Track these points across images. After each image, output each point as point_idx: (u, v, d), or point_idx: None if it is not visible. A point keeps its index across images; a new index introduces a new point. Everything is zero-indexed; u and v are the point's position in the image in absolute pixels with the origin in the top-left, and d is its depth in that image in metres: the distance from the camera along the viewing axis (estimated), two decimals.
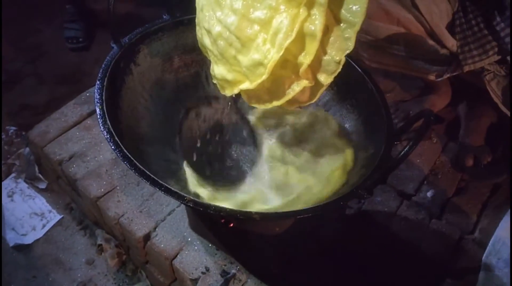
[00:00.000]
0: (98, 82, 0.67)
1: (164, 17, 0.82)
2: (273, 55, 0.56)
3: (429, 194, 1.21)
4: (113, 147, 0.60)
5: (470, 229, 1.15)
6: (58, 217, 1.31)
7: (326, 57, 0.58)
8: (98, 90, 0.66)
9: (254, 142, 0.86)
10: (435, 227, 1.14)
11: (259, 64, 0.58)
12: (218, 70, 0.64)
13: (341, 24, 0.56)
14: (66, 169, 1.17)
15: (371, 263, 1.02)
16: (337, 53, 0.57)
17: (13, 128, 1.47)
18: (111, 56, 0.72)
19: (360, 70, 0.81)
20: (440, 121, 1.39)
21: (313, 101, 0.65)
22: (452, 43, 1.13)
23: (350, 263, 1.01)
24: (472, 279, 1.05)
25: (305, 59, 0.57)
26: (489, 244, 1.09)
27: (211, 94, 0.89)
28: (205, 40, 0.64)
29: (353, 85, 0.82)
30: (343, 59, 0.57)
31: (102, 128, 0.62)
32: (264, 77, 0.58)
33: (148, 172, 0.59)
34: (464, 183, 1.25)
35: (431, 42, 1.15)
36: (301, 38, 0.56)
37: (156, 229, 1.06)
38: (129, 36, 0.76)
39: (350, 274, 0.99)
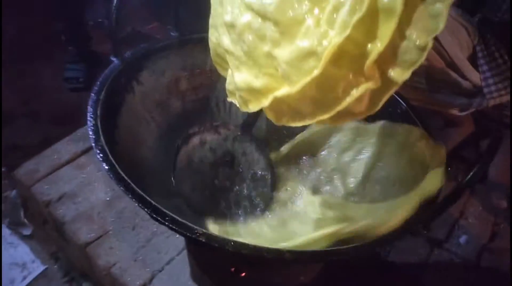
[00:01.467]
0: (92, 94, 0.57)
1: (172, 34, 0.74)
2: (333, 39, 0.41)
3: (461, 240, 1.07)
4: (106, 167, 0.49)
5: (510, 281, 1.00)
6: (42, 268, 1.15)
7: (404, 43, 0.43)
8: (92, 103, 0.56)
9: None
10: (472, 278, 0.99)
11: (309, 54, 0.43)
12: (240, 77, 0.51)
13: None
14: (53, 210, 1.04)
15: None
16: (420, 36, 0.41)
17: (2, 169, 1.36)
18: (110, 69, 0.63)
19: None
20: (465, 160, 1.29)
21: (372, 113, 0.49)
22: (475, 75, 1.07)
23: None
24: None
25: (376, 46, 0.42)
26: None
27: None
28: (224, 40, 0.52)
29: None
30: (430, 44, 0.42)
31: (94, 145, 0.51)
32: (316, 72, 0.43)
33: (149, 198, 0.47)
34: (499, 228, 1.12)
35: (452, 74, 1.09)
36: (371, 16, 0.41)
37: (153, 281, 0.91)
38: (133, 51, 0.68)
39: None
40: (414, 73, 1.23)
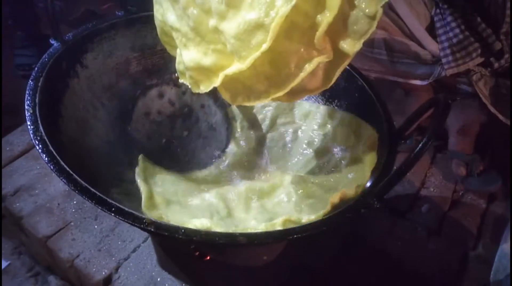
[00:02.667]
0: (30, 82, 0.54)
1: (118, 13, 0.70)
2: (280, 9, 0.39)
3: (423, 209, 1.10)
4: (46, 158, 0.46)
5: (472, 245, 1.04)
6: (4, 264, 1.11)
7: (353, 13, 0.41)
8: (30, 91, 0.52)
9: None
10: (434, 245, 1.02)
11: (257, 26, 0.41)
12: (188, 55, 0.48)
13: None
14: (10, 205, 0.99)
15: None
16: (369, 4, 0.40)
17: None
18: (49, 54, 0.59)
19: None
20: (423, 129, 1.31)
21: (327, 87, 0.48)
22: (433, 45, 1.08)
23: None
24: None
25: (325, 16, 0.40)
26: (495, 260, 0.98)
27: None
28: (169, 17, 0.49)
29: (339, 82, 0.71)
30: (379, 12, 0.41)
31: (32, 135, 0.48)
32: (265, 46, 0.41)
33: (93, 189, 0.45)
34: (459, 195, 1.16)
35: (412, 45, 1.09)
36: None
37: (119, 270, 0.89)
38: (74, 33, 0.63)
39: None
40: (372, 45, 1.22)
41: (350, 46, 0.43)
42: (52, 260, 0.99)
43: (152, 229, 0.42)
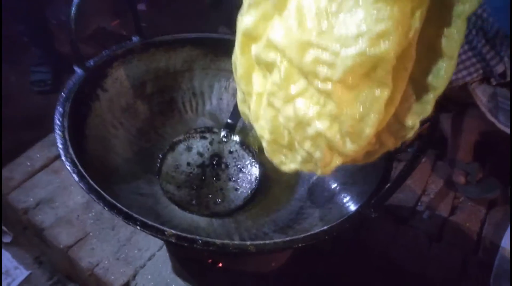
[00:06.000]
0: (58, 107, 0.59)
1: (134, 39, 0.76)
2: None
3: (425, 216, 1.15)
4: (76, 178, 0.52)
5: (472, 250, 1.08)
6: (26, 273, 1.17)
7: (397, 124, 0.48)
8: (59, 116, 0.58)
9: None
10: (436, 250, 1.07)
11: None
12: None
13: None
14: (32, 217, 1.05)
15: None
16: (411, 119, 0.46)
17: None
18: (74, 80, 0.65)
19: None
20: (429, 140, 1.36)
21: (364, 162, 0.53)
22: None
23: None
24: None
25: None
26: (495, 265, 1.02)
27: (195, 125, 0.82)
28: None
29: None
30: (417, 124, 0.47)
31: (63, 157, 0.54)
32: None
33: (119, 205, 0.50)
34: (459, 201, 1.20)
35: None
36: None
37: (136, 277, 0.95)
38: (94, 59, 0.70)
39: None
40: None
41: (393, 143, 0.49)
42: (72, 269, 1.05)
43: (173, 240, 0.48)
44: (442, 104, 1.32)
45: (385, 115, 0.42)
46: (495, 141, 1.22)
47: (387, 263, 1.02)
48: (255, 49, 0.46)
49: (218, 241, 0.48)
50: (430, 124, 0.60)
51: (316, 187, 0.74)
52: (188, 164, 0.76)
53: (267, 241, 0.49)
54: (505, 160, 1.16)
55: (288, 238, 0.50)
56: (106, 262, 0.96)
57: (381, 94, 0.40)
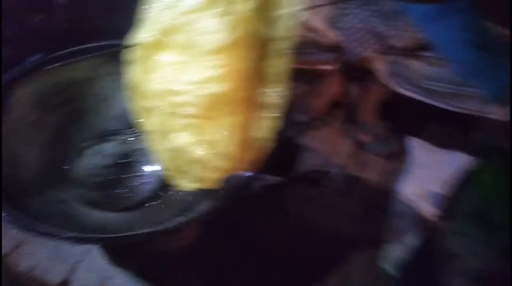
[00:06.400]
0: None
1: (32, 58, 0.80)
2: None
3: (335, 175, 1.29)
4: None
5: (375, 198, 1.24)
6: None
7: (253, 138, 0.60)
8: None
9: None
10: (345, 205, 1.21)
11: None
12: None
13: None
14: None
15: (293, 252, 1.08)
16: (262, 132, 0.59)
17: None
18: None
19: None
20: (339, 106, 1.49)
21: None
22: (332, 34, 1.23)
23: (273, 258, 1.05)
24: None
25: None
26: (390, 208, 1.18)
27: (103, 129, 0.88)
28: None
29: None
30: (267, 136, 0.61)
31: None
32: None
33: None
34: (365, 158, 1.35)
35: (311, 35, 1.24)
36: None
37: (75, 272, 1.02)
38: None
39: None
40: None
41: (254, 153, 0.63)
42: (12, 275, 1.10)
43: (73, 241, 0.56)
44: (350, 73, 1.46)
45: (243, 134, 0.53)
46: (394, 102, 1.37)
47: (302, 223, 1.16)
48: (138, 98, 0.56)
49: (113, 235, 0.56)
50: None
51: None
52: (98, 166, 0.83)
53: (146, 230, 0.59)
54: (402, 117, 1.32)
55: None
56: (42, 263, 1.02)
57: (235, 120, 0.51)
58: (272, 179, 1.27)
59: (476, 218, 0.71)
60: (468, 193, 0.76)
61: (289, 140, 1.36)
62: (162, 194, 0.79)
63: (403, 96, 1.24)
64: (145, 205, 0.77)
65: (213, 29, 0.48)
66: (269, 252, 1.06)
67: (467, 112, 1.17)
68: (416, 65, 1.15)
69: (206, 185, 0.62)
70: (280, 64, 0.53)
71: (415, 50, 1.14)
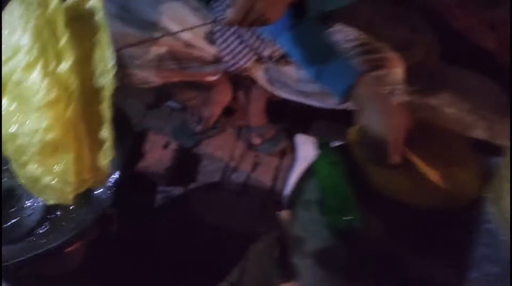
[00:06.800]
0: None
1: None
2: None
3: (234, 177, 1.42)
4: None
5: (270, 193, 1.38)
6: None
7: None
8: None
9: None
10: (242, 203, 1.34)
11: None
12: None
13: None
14: None
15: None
16: (102, 161, 0.70)
17: None
18: None
19: None
20: (231, 113, 1.62)
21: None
22: (211, 49, 1.34)
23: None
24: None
25: None
26: (285, 198, 1.32)
27: None
28: None
29: None
30: (107, 164, 0.70)
31: None
32: None
33: None
34: (258, 159, 1.49)
35: (193, 51, 1.34)
36: None
37: None
38: None
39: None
40: (160, 59, 1.43)
41: (93, 177, 0.74)
42: None
43: None
44: (237, 81, 1.59)
45: (79, 165, 0.63)
46: (278, 104, 1.52)
47: (202, 224, 1.27)
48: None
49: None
50: None
51: None
52: None
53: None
54: (287, 117, 1.49)
55: None
56: None
57: (69, 156, 0.60)
58: (174, 190, 1.37)
59: (316, 205, 0.86)
60: (309, 184, 0.91)
61: (187, 151, 1.46)
62: (49, 219, 0.84)
63: (284, 99, 1.39)
64: (34, 232, 0.82)
65: (37, 87, 0.56)
66: (172, 259, 1.15)
67: (339, 107, 1.35)
68: (287, 70, 1.28)
69: (67, 203, 0.72)
70: (107, 106, 0.63)
71: (282, 57, 1.29)
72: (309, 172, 0.96)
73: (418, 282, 0.79)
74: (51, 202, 0.71)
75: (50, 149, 0.61)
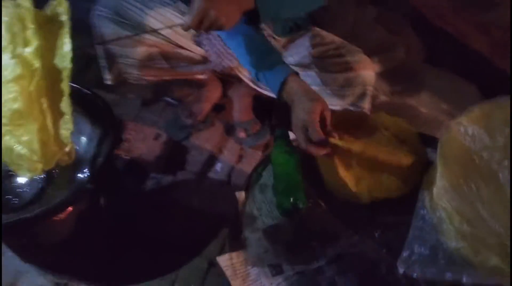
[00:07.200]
0: None
1: None
2: None
3: (217, 167, 1.55)
4: None
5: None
6: None
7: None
8: None
9: None
10: (226, 192, 1.45)
11: None
12: None
13: None
14: None
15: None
16: (63, 133, 0.86)
17: None
18: None
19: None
20: (220, 109, 1.75)
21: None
22: (198, 50, 1.47)
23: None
24: None
25: None
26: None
27: None
28: None
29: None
30: (68, 136, 0.86)
31: None
32: None
33: None
34: (243, 152, 1.61)
35: (182, 51, 1.48)
36: None
37: None
38: None
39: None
40: (151, 59, 1.57)
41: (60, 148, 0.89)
42: None
43: None
44: (226, 80, 1.74)
45: (44, 134, 0.77)
46: (262, 101, 1.64)
47: (187, 208, 1.40)
48: None
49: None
50: None
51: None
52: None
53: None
54: (270, 113, 1.60)
55: None
56: None
57: (34, 126, 0.76)
58: (164, 177, 1.51)
59: (271, 188, 0.99)
60: (266, 170, 1.04)
61: (177, 143, 1.60)
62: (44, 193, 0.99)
63: (267, 95, 1.50)
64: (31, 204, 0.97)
65: (7, 66, 0.76)
66: (155, 235, 1.29)
67: None
68: None
69: (37, 173, 0.87)
70: (66, 85, 0.79)
71: None
72: (268, 159, 1.08)
73: (352, 257, 0.89)
74: (22, 174, 0.86)
75: (17, 118, 0.76)
